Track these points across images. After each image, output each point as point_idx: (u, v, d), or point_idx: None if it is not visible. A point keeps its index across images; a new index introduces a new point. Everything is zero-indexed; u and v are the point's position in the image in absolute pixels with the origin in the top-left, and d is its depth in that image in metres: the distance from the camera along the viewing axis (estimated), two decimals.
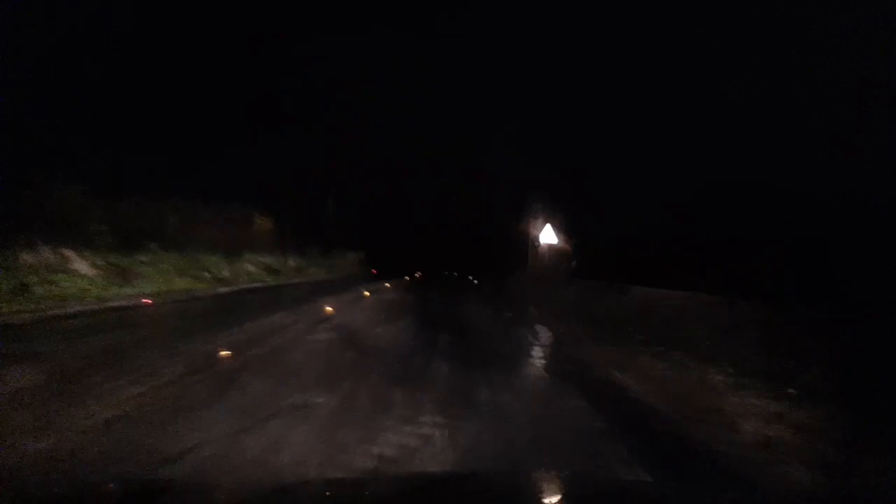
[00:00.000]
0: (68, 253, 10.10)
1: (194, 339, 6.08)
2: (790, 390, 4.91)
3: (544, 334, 8.67)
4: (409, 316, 9.68)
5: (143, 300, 9.28)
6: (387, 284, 19.66)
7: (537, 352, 6.92)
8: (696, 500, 1.49)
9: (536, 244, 25.18)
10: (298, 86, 25.07)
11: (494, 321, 10.52)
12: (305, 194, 25.93)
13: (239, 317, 8.30)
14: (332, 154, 26.71)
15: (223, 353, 5.34)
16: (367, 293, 14.36)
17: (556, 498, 1.41)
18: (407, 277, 27.51)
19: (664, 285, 12.54)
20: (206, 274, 14.00)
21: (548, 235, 23.95)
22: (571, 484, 1.57)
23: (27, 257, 8.97)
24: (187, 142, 17.76)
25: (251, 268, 18.14)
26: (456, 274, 40.62)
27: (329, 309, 9.81)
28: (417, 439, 3.06)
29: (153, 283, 11.18)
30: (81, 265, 10.10)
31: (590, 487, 1.58)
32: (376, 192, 40.16)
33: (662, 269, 17.62)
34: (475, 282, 29.28)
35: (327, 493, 1.41)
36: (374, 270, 34.48)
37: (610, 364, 6.19)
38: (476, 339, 7.77)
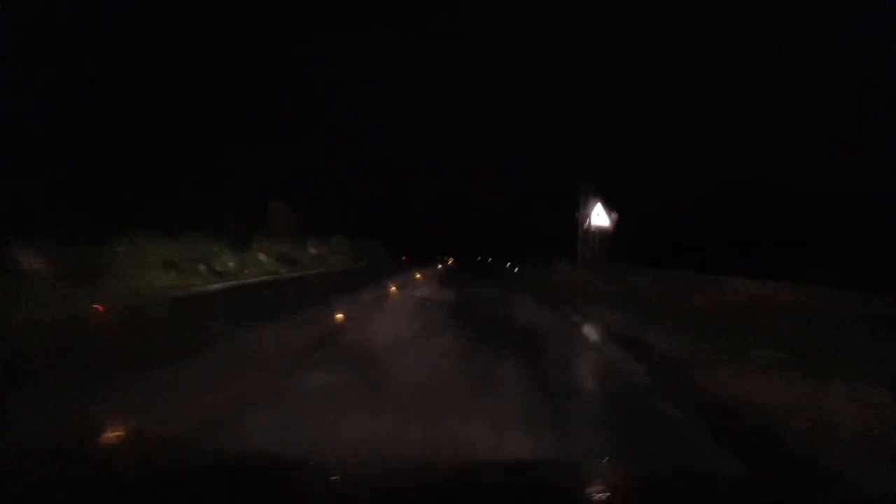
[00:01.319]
0: (12, 246, 7.88)
1: (97, 388, 3.55)
2: None
3: (643, 352, 5.77)
4: (449, 328, 6.96)
5: (95, 306, 6.95)
6: (417, 276, 17.11)
7: (655, 391, 4.17)
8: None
9: (586, 227, 22.05)
10: (300, 83, 23.73)
11: (562, 330, 7.77)
12: (327, 179, 23.97)
13: (209, 332, 5.84)
14: (333, 152, 24.94)
15: (111, 433, 2.80)
16: (393, 288, 11.80)
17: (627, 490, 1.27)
18: (439, 266, 24.91)
19: (759, 275, 9.55)
20: (202, 266, 11.71)
21: (599, 216, 20.79)
22: (654, 476, 1.45)
23: None
24: (194, 131, 16.41)
25: (263, 257, 15.86)
26: (491, 260, 37.78)
27: (340, 316, 7.29)
28: None
29: (125, 279, 8.90)
30: (27, 260, 7.87)
31: (678, 481, 1.43)
32: (399, 171, 37.93)
33: (753, 255, 14.30)
34: (516, 269, 26.38)
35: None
36: (404, 258, 32.16)
37: (782, 411, 3.43)
38: (550, 366, 5.05)
